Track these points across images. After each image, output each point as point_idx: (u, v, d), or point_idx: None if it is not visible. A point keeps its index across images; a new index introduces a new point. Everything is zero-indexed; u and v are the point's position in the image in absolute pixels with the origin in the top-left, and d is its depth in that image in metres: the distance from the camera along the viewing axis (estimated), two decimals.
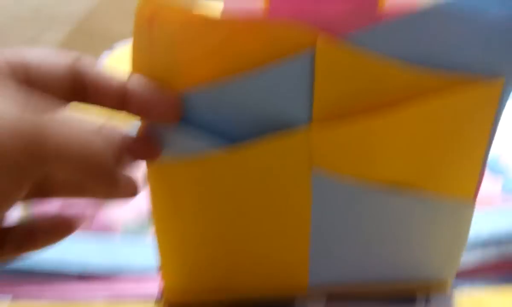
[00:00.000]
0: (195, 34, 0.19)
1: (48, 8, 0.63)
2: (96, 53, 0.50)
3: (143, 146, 0.21)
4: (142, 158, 0.21)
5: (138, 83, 0.19)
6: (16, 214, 0.30)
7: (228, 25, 0.19)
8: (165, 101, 0.20)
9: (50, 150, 0.16)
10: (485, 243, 0.30)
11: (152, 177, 0.23)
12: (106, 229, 0.31)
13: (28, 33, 0.57)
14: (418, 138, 0.22)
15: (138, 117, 0.20)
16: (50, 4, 0.64)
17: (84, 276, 0.29)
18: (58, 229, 0.20)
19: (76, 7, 0.63)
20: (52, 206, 0.30)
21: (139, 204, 0.32)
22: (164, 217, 0.24)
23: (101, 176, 0.18)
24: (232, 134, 0.21)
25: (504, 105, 0.22)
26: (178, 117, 0.20)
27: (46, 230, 0.20)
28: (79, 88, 0.19)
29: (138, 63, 0.20)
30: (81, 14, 0.62)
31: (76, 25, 0.59)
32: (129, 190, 0.20)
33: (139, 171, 0.23)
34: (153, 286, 0.28)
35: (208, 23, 0.19)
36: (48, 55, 0.19)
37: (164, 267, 0.26)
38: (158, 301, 0.27)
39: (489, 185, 0.34)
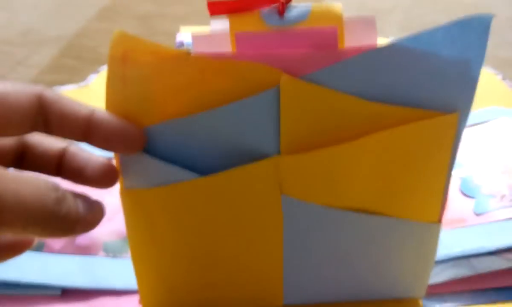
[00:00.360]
0: (167, 72, 0.20)
1: (36, 32, 0.65)
2: (84, 75, 0.52)
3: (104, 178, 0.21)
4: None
5: (101, 115, 0.20)
6: None
7: (198, 63, 0.20)
8: (127, 133, 0.21)
9: (5, 213, 0.16)
10: (456, 260, 0.32)
11: (125, 203, 0.24)
12: (87, 250, 0.32)
13: (16, 56, 0.59)
14: (379, 167, 0.23)
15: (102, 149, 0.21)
16: (38, 28, 0.66)
17: (64, 294, 0.30)
18: (10, 248, 0.21)
19: (64, 30, 0.64)
20: None
21: (120, 224, 0.33)
22: (139, 241, 0.25)
23: (57, 228, 0.18)
24: (204, 164, 0.22)
25: (460, 136, 0.23)
26: (141, 147, 0.21)
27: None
28: (44, 119, 0.19)
29: (112, 101, 0.21)
30: (69, 37, 0.63)
31: (64, 48, 0.61)
32: (93, 221, 0.20)
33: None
34: (133, 303, 0.29)
35: (179, 61, 0.20)
36: (12, 89, 0.19)
37: (142, 289, 0.27)
38: None
39: (461, 206, 0.36)
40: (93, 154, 0.22)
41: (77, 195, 0.19)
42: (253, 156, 0.22)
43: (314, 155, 0.22)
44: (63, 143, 0.22)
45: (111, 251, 0.32)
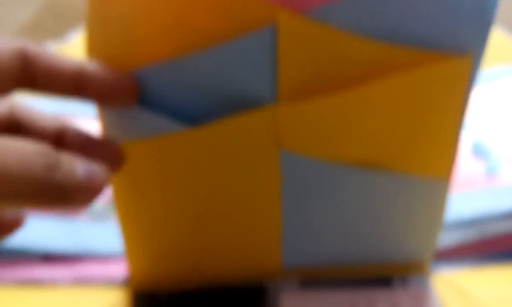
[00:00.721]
0: (151, 10, 0.19)
1: None
2: (63, 33, 0.51)
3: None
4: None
5: (93, 66, 0.19)
6: None
7: None
8: (121, 83, 0.20)
9: None
10: (466, 224, 0.32)
11: None
12: (69, 213, 0.32)
13: None
14: (387, 116, 0.22)
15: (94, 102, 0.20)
16: None
17: (48, 259, 0.30)
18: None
19: None
20: None
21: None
22: (125, 202, 0.25)
23: (52, 198, 0.17)
24: (195, 113, 0.22)
25: (473, 81, 0.22)
26: (135, 99, 0.21)
27: None
28: (29, 75, 0.18)
29: (92, 44, 0.20)
30: None
31: (43, 5, 0.59)
32: (95, 188, 0.18)
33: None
34: (119, 269, 0.29)
35: None
36: None
37: (129, 254, 0.27)
38: (124, 285, 0.28)
39: (472, 168, 0.36)
40: (96, 137, 0.21)
41: (76, 159, 0.18)
42: (247, 105, 0.21)
43: (316, 104, 0.22)
44: (59, 122, 0.21)
45: (96, 216, 0.32)
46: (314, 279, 0.28)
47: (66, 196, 0.17)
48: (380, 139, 0.23)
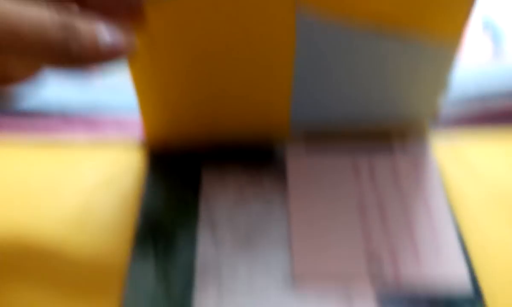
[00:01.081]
0: None
1: None
2: None
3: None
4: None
5: None
6: None
7: None
8: None
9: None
10: (470, 98, 0.33)
11: None
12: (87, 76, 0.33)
13: None
14: None
15: None
16: None
17: (66, 119, 0.32)
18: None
19: None
20: None
21: None
22: (140, 61, 0.26)
23: (69, 64, 0.18)
24: None
25: None
26: None
27: None
28: None
29: None
30: None
31: None
32: (112, 53, 0.19)
33: None
34: (135, 130, 0.31)
35: None
36: None
37: (144, 114, 0.29)
38: (140, 145, 0.30)
39: (480, 45, 0.37)
40: None
41: (97, 24, 0.18)
42: None
43: None
44: None
45: (109, 71, 0.33)
46: (319, 144, 0.31)
47: (82, 64, 0.18)
48: None
